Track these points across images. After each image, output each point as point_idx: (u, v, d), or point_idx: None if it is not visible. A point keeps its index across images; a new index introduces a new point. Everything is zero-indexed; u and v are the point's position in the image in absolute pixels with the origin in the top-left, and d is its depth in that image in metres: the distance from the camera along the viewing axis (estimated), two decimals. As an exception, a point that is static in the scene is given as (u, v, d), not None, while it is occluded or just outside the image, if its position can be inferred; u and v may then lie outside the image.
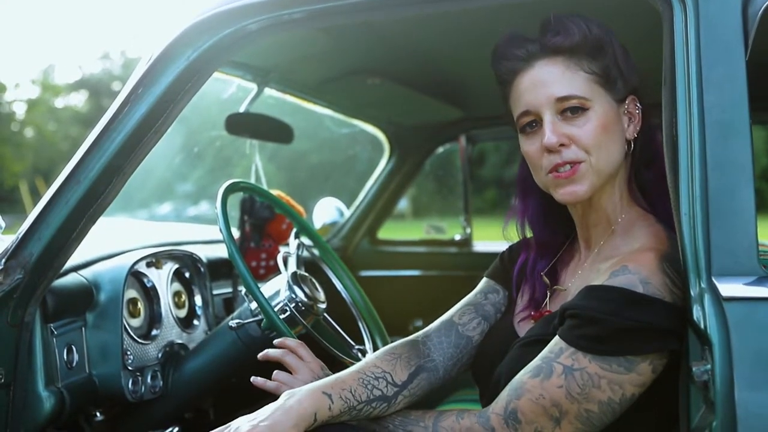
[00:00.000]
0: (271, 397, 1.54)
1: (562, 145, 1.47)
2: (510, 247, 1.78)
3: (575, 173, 1.48)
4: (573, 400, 1.37)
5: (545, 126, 1.48)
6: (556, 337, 1.42)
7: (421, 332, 1.71)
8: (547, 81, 1.49)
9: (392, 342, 2.11)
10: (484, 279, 1.77)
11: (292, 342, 1.73)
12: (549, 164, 1.49)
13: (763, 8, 1.33)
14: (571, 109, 1.48)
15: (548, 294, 1.62)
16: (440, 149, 3.53)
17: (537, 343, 1.47)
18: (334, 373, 1.59)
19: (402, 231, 4.88)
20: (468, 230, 3.48)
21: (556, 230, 1.68)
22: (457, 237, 3.53)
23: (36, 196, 16.07)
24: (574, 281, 1.58)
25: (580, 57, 1.49)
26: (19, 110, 23.97)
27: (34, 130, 23.67)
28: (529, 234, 1.69)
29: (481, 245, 3.49)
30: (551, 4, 1.55)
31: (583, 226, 1.60)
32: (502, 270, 1.75)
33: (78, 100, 27.46)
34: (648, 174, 1.55)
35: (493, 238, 1.71)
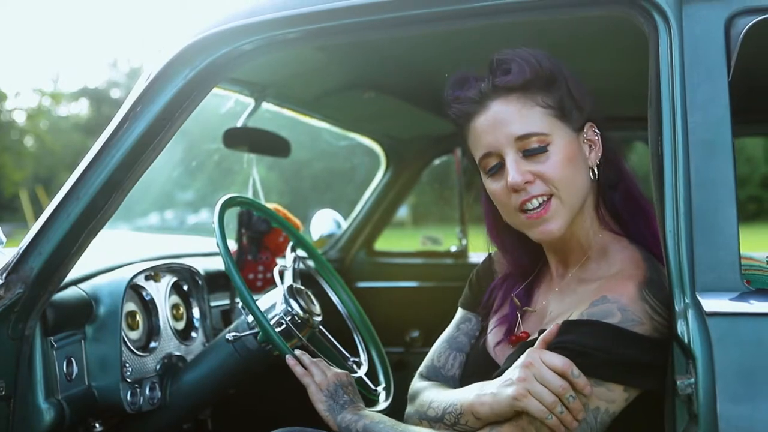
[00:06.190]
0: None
1: (527, 182, 1.47)
2: (476, 271, 1.80)
3: (547, 212, 1.48)
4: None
5: (508, 165, 1.48)
6: None
7: (429, 374, 1.73)
8: (504, 120, 1.48)
9: (386, 352, 2.14)
10: (459, 309, 1.80)
11: (303, 363, 1.75)
12: (517, 202, 1.49)
13: (745, 30, 1.36)
14: (532, 149, 1.47)
15: (519, 315, 1.63)
16: (436, 161, 3.56)
17: None
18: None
19: (402, 239, 4.89)
20: (464, 242, 3.50)
21: (527, 256, 1.68)
22: (453, 248, 3.55)
23: (36, 205, 16.07)
24: (548, 302, 1.60)
25: (534, 92, 1.49)
26: (20, 119, 23.98)
27: (35, 139, 23.68)
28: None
29: (477, 256, 3.50)
30: (540, 24, 1.58)
31: (556, 253, 1.61)
32: (472, 297, 1.78)
33: (79, 108, 27.48)
34: (615, 196, 1.56)
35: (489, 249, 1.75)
